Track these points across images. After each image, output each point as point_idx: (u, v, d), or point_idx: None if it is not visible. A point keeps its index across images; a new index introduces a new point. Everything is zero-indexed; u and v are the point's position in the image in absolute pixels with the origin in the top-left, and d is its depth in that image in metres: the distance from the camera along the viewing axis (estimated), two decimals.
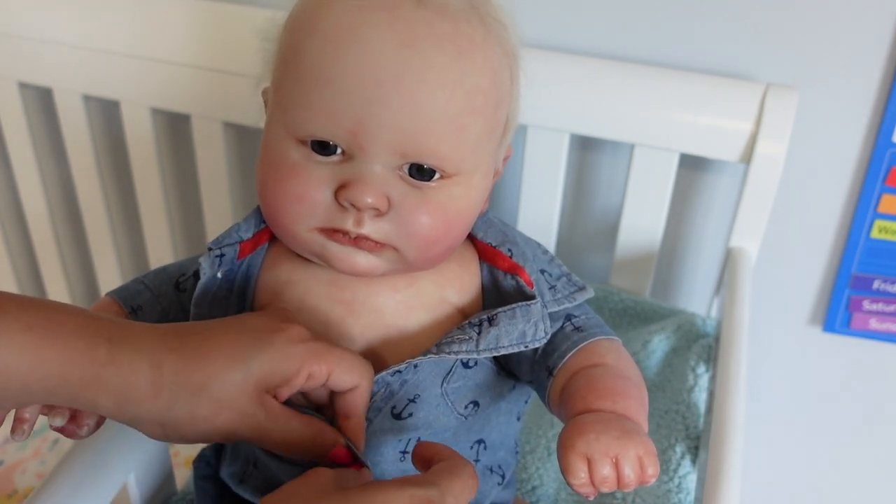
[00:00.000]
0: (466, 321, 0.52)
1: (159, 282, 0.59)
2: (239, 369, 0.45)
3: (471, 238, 0.57)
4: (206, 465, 0.63)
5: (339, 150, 0.49)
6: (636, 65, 0.78)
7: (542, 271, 0.56)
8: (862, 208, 0.82)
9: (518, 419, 0.60)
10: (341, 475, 0.45)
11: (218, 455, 0.64)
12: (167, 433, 0.46)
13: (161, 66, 0.89)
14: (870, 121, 0.79)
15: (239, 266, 0.55)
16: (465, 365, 0.54)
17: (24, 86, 0.99)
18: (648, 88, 0.76)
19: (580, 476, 0.43)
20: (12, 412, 0.48)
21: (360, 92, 0.46)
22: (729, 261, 0.78)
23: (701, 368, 0.74)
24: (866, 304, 0.87)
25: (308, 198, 0.49)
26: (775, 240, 0.86)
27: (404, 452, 0.53)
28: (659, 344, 0.79)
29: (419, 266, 0.52)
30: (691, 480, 0.67)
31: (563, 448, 0.44)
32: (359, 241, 0.49)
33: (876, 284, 0.86)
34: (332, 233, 0.50)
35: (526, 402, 0.60)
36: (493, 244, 0.55)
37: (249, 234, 0.55)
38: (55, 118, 1.00)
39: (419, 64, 0.46)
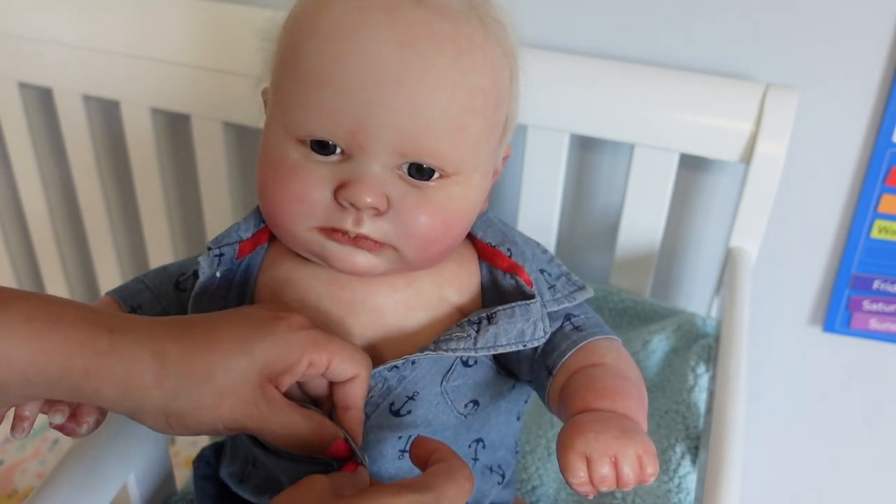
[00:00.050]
0: (465, 319, 0.52)
1: (159, 281, 0.59)
2: (242, 357, 0.46)
3: (470, 238, 0.57)
4: (206, 465, 0.63)
5: (338, 150, 0.49)
6: (636, 65, 0.78)
7: (542, 271, 0.56)
8: (862, 208, 0.82)
9: (518, 419, 0.60)
10: (337, 480, 0.45)
11: (218, 455, 0.64)
12: (171, 423, 0.46)
13: (161, 66, 0.89)
14: (870, 121, 0.79)
15: (238, 265, 0.55)
16: (465, 363, 0.54)
17: (24, 86, 0.99)
18: (648, 88, 0.76)
19: (579, 475, 0.43)
20: (12, 410, 0.48)
21: (360, 92, 0.46)
22: (729, 261, 0.78)
23: (701, 368, 0.74)
24: (866, 304, 0.87)
25: (307, 197, 0.49)
26: (775, 240, 0.86)
27: (403, 450, 0.53)
28: (659, 344, 0.79)
29: (418, 265, 0.52)
30: (691, 480, 0.67)
31: (562, 447, 0.44)
32: (358, 241, 0.50)
33: (876, 284, 0.86)
34: (332, 232, 0.50)
35: (526, 401, 0.60)
36: (493, 244, 0.55)
37: (249, 234, 0.55)
38: (55, 118, 1.00)
39: (419, 64, 0.46)
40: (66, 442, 0.97)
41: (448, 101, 0.47)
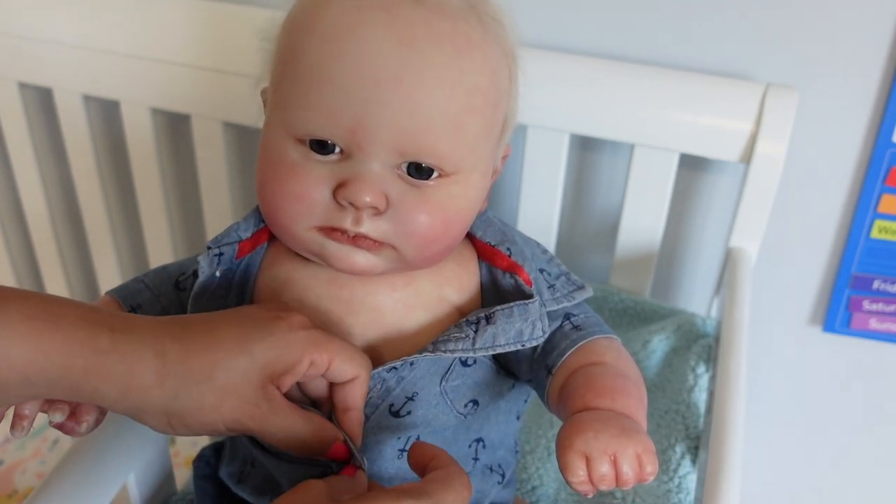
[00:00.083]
0: (463, 319, 0.52)
1: (159, 281, 0.59)
2: (244, 357, 0.46)
3: (469, 237, 0.57)
4: (206, 465, 0.63)
5: (337, 149, 0.49)
6: (636, 65, 0.78)
7: (541, 270, 0.56)
8: (862, 208, 0.82)
9: (517, 418, 0.60)
10: (334, 484, 0.45)
11: (217, 455, 0.64)
12: (172, 423, 0.46)
13: (161, 66, 0.89)
14: (870, 121, 0.79)
15: (238, 265, 0.55)
16: (464, 363, 0.54)
17: (24, 86, 0.99)
18: (648, 88, 0.76)
19: (578, 474, 0.43)
20: (12, 409, 0.48)
21: (359, 91, 0.47)
22: (729, 261, 0.78)
23: (701, 368, 0.74)
24: (866, 304, 0.87)
25: (307, 197, 0.49)
26: (775, 240, 0.86)
27: (402, 450, 0.53)
28: (659, 344, 0.79)
29: (418, 265, 0.52)
30: (691, 480, 0.67)
31: (562, 446, 0.44)
32: (357, 240, 0.50)
33: (876, 284, 0.86)
34: (331, 231, 0.50)
35: (525, 401, 0.60)
36: (492, 243, 0.55)
37: (248, 234, 0.55)
38: (55, 118, 1.00)
39: (418, 63, 0.46)
40: (66, 442, 0.97)
41: (447, 100, 0.47)
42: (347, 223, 0.49)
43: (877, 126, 0.79)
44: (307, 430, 0.48)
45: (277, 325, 0.48)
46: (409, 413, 0.53)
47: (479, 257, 0.56)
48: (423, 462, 0.45)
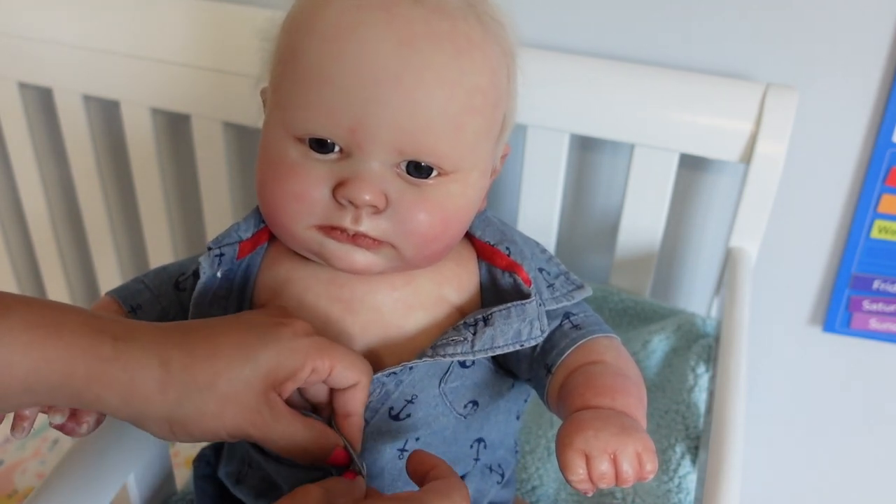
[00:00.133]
0: (461, 322, 0.52)
1: (159, 281, 0.59)
2: (247, 364, 0.46)
3: (469, 237, 0.57)
4: (206, 465, 0.63)
5: (337, 149, 0.49)
6: (636, 65, 0.78)
7: (541, 269, 0.56)
8: (862, 208, 0.82)
9: (517, 418, 0.60)
10: (331, 487, 0.45)
11: (217, 455, 0.64)
12: (174, 431, 0.46)
13: (161, 66, 0.89)
14: (870, 121, 0.79)
15: (238, 266, 0.55)
16: (463, 365, 0.54)
17: (24, 86, 0.99)
18: (648, 88, 0.76)
19: (578, 472, 0.43)
20: None
21: (359, 91, 0.47)
22: (729, 261, 0.78)
23: (701, 368, 0.74)
24: (866, 304, 0.87)
25: (306, 196, 0.49)
26: (775, 240, 0.86)
27: (403, 450, 0.53)
28: (659, 344, 0.79)
29: (417, 264, 0.52)
30: (691, 480, 0.67)
31: (562, 445, 0.44)
32: (357, 239, 0.50)
33: (876, 284, 0.86)
34: (331, 230, 0.50)
35: (525, 400, 0.60)
36: (492, 242, 0.55)
37: (249, 234, 0.55)
38: (55, 118, 1.00)
39: (417, 62, 0.46)
40: (66, 442, 0.97)
41: (446, 100, 0.47)
42: (347, 222, 0.49)
43: (877, 126, 0.79)
44: (308, 437, 0.48)
45: (280, 331, 0.47)
46: (408, 416, 0.53)
47: (478, 257, 0.57)
48: (423, 471, 0.45)
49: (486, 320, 0.51)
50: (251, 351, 0.46)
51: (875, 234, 0.83)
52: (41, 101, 1.03)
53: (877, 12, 0.74)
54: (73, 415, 0.49)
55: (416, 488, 0.45)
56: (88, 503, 0.55)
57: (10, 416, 0.48)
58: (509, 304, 0.51)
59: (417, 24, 0.47)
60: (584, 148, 0.89)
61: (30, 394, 0.42)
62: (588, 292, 0.57)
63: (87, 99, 0.97)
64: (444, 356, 0.50)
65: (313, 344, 0.48)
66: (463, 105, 0.48)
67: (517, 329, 0.51)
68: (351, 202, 0.48)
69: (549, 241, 0.87)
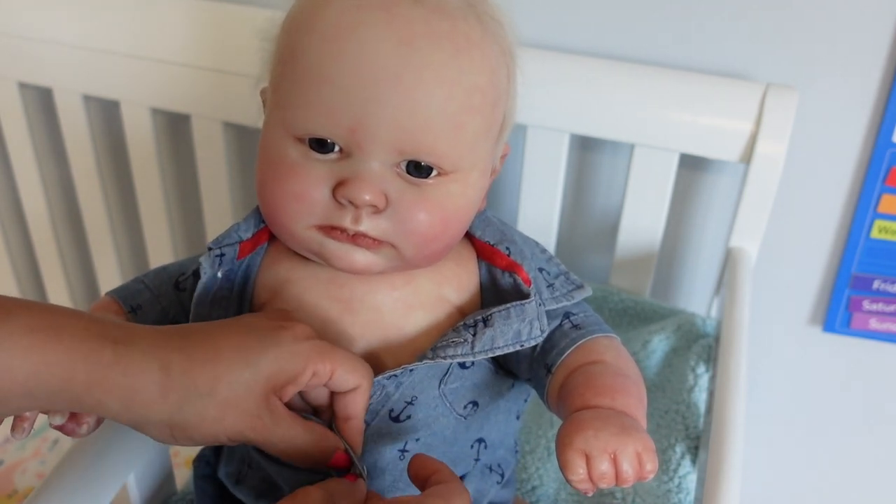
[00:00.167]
0: (461, 323, 0.52)
1: (159, 281, 0.59)
2: (247, 368, 0.46)
3: (469, 236, 0.57)
4: (206, 465, 0.63)
5: (336, 148, 0.49)
6: (635, 65, 0.78)
7: (541, 269, 0.56)
8: (862, 208, 0.82)
9: (517, 418, 0.60)
10: (332, 489, 0.45)
11: (217, 455, 0.64)
12: (174, 435, 0.46)
13: (161, 66, 0.89)
14: (870, 121, 0.79)
15: (239, 266, 0.55)
16: (462, 366, 0.54)
17: (24, 86, 0.99)
18: (648, 88, 0.76)
19: (578, 472, 0.43)
20: None
21: (359, 90, 0.47)
22: (729, 261, 0.78)
23: (701, 368, 0.74)
24: (866, 304, 0.87)
25: (306, 196, 0.49)
26: (775, 240, 0.86)
27: (403, 451, 0.53)
28: (659, 344, 0.79)
29: (417, 263, 0.52)
30: (691, 480, 0.67)
31: (562, 444, 0.44)
32: (357, 239, 0.50)
33: (876, 284, 0.86)
34: (331, 230, 0.50)
35: (525, 400, 0.60)
36: (491, 242, 0.55)
37: (249, 234, 0.55)
38: (55, 118, 1.00)
39: (417, 62, 0.46)
40: (66, 442, 0.97)
41: (446, 99, 0.47)
42: (347, 222, 0.49)
43: (877, 126, 0.79)
44: (308, 441, 0.48)
45: (281, 335, 0.47)
46: (408, 417, 0.53)
47: (478, 256, 0.57)
48: (425, 475, 0.45)
49: (485, 321, 0.51)
50: (252, 355, 0.46)
51: (875, 234, 0.83)
52: (41, 101, 1.03)
53: (877, 12, 0.74)
54: (73, 415, 0.49)
55: (417, 489, 0.45)
56: (88, 503, 0.55)
57: (9, 418, 0.48)
58: (509, 305, 0.51)
59: (417, 23, 0.47)
60: (584, 148, 0.89)
61: (30, 398, 0.42)
62: (588, 292, 0.57)
63: (87, 99, 0.97)
64: (444, 358, 0.50)
65: (314, 347, 0.48)
66: (462, 104, 0.48)
67: (517, 329, 0.51)
68: (351, 202, 0.48)
69: (549, 241, 0.87)
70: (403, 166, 0.49)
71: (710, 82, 0.76)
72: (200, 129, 0.93)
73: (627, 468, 0.43)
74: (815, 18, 0.75)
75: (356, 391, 0.49)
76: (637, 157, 0.79)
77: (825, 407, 0.96)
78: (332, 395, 0.51)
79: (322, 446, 0.49)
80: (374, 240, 0.50)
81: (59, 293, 1.15)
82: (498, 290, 0.55)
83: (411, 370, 0.52)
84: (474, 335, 0.51)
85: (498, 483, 0.59)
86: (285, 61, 0.50)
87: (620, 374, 0.50)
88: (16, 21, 0.93)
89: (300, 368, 0.47)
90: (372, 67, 0.46)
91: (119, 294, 0.58)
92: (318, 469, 0.49)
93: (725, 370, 0.64)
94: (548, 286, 0.55)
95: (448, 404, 0.53)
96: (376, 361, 0.53)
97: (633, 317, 0.85)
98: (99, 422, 0.50)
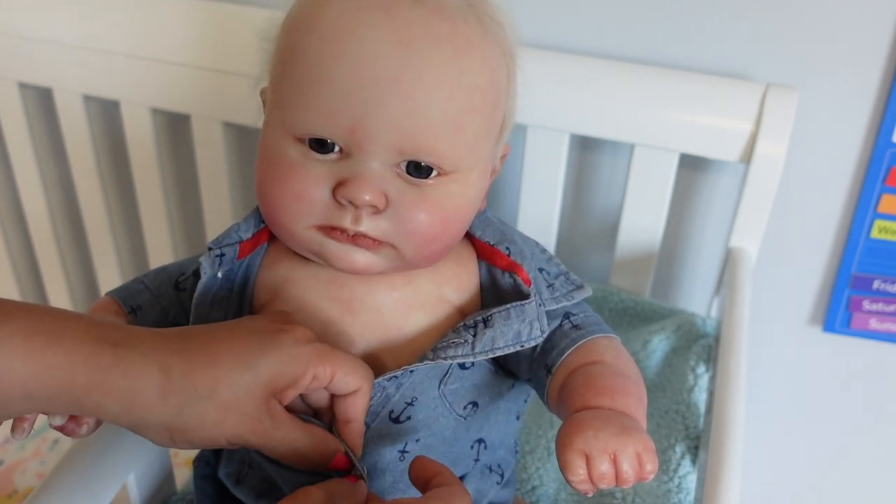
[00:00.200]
0: (461, 323, 0.52)
1: (159, 282, 0.59)
2: (247, 371, 0.45)
3: (469, 237, 0.57)
4: (206, 465, 0.63)
5: (336, 149, 0.49)
6: (635, 65, 0.78)
7: (541, 270, 0.56)
8: (862, 208, 0.82)
9: (517, 418, 0.60)
10: (332, 489, 0.44)
11: (217, 455, 0.64)
12: (174, 438, 0.46)
13: (161, 66, 0.89)
14: (870, 121, 0.79)
15: (239, 266, 0.55)
16: (462, 366, 0.54)
17: (24, 86, 0.99)
18: (648, 88, 0.76)
19: (578, 473, 0.43)
20: None
21: (359, 91, 0.47)
22: (729, 261, 0.78)
23: (701, 368, 0.74)
24: (866, 304, 0.87)
25: (306, 196, 0.49)
26: (775, 240, 0.86)
27: (403, 452, 0.53)
28: (659, 344, 0.79)
29: (417, 264, 0.52)
30: (691, 480, 0.67)
31: (562, 445, 0.44)
32: (357, 239, 0.50)
33: (876, 284, 0.86)
34: (330, 230, 0.50)
35: (525, 401, 0.60)
36: (491, 242, 0.55)
37: (249, 234, 0.55)
38: (55, 118, 1.00)
39: (417, 63, 0.46)
40: (66, 442, 0.97)
41: (446, 100, 0.47)
42: (347, 222, 0.49)
43: (877, 126, 0.79)
44: (308, 444, 0.48)
45: (281, 338, 0.47)
46: (408, 418, 0.53)
47: (478, 257, 0.56)
48: (426, 477, 0.45)
49: (485, 322, 0.51)
50: (252, 358, 0.46)
51: (875, 234, 0.83)
52: (41, 101, 1.03)
53: (877, 12, 0.74)
54: (73, 416, 0.49)
55: (417, 490, 0.45)
56: (88, 503, 0.55)
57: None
58: (509, 305, 0.51)
59: (417, 24, 0.47)
60: (584, 148, 0.89)
61: (29, 401, 0.42)
62: (588, 292, 0.57)
63: (87, 99, 0.97)
64: (444, 358, 0.50)
65: (314, 351, 0.48)
66: (462, 105, 0.48)
67: (517, 330, 0.51)
68: (351, 202, 0.48)
69: (549, 241, 0.87)
70: (403, 167, 0.49)
71: (710, 82, 0.76)
72: (200, 129, 0.93)
73: (627, 469, 0.43)
74: (815, 18, 0.75)
75: (356, 394, 0.49)
76: (637, 157, 0.79)
77: (825, 407, 0.96)
78: (333, 397, 0.51)
79: (322, 449, 0.49)
80: (374, 240, 0.50)
81: (59, 293, 1.15)
82: (498, 291, 0.55)
83: (412, 371, 0.51)
84: (474, 336, 0.51)
85: (498, 483, 0.59)
86: (285, 61, 0.50)
87: (620, 375, 0.50)
88: (16, 21, 0.93)
89: (300, 372, 0.47)
90: (372, 68, 0.46)
91: (119, 294, 0.58)
92: (318, 471, 0.49)
93: (725, 370, 0.64)
94: (548, 286, 0.55)
95: (448, 405, 0.53)
96: (376, 362, 0.53)
97: (633, 317, 0.85)
98: (99, 422, 0.50)
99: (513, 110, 0.55)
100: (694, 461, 0.68)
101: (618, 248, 0.85)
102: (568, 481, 0.43)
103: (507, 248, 0.54)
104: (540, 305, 0.53)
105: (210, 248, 0.54)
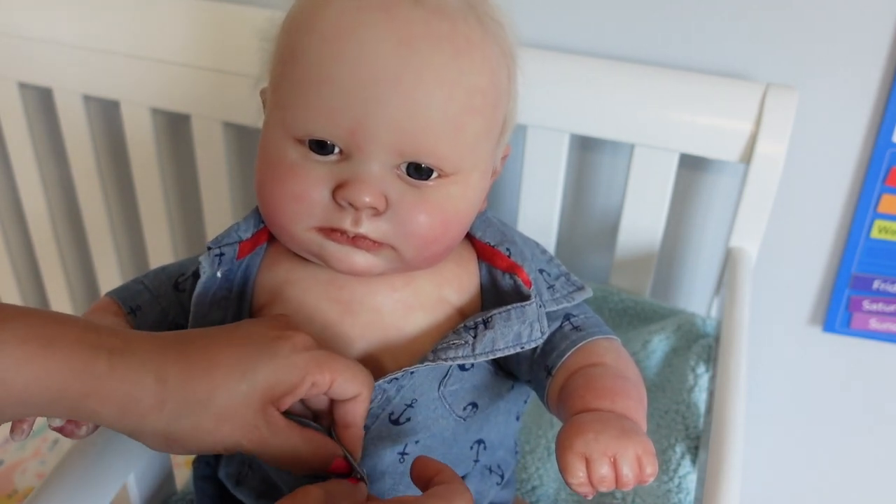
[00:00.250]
0: (462, 325, 0.52)
1: (158, 282, 0.59)
2: (244, 380, 0.45)
3: (469, 237, 0.57)
4: (206, 466, 0.63)
5: (336, 150, 0.49)
6: (635, 65, 0.78)
7: (541, 271, 0.56)
8: (862, 208, 0.82)
9: (517, 419, 0.60)
10: (332, 489, 0.44)
11: (217, 456, 0.64)
12: (169, 444, 0.46)
13: (161, 66, 0.89)
14: (870, 121, 0.79)
15: (238, 266, 0.55)
16: (462, 367, 0.53)
17: (24, 86, 0.99)
18: (648, 88, 0.76)
19: (578, 475, 0.43)
20: None
21: (359, 91, 0.46)
22: (729, 261, 0.78)
23: (701, 368, 0.74)
24: (866, 304, 0.87)
25: (306, 197, 0.49)
26: (775, 240, 0.86)
27: (403, 454, 0.53)
28: (659, 344, 0.79)
29: (417, 265, 0.52)
30: (691, 480, 0.67)
31: (562, 448, 0.44)
32: (357, 241, 0.49)
33: (876, 284, 0.86)
34: (330, 232, 0.50)
35: (525, 401, 0.60)
36: (492, 243, 0.55)
37: (248, 234, 0.55)
38: (55, 118, 1.00)
39: (417, 63, 0.46)
40: (66, 442, 0.97)
41: (446, 101, 0.47)
42: (347, 224, 0.49)
43: (877, 126, 0.79)
44: (306, 449, 0.48)
45: (280, 346, 0.47)
46: (408, 420, 0.53)
47: (478, 258, 0.56)
48: (427, 476, 0.45)
49: (486, 323, 0.51)
50: (249, 367, 0.46)
51: (875, 234, 0.83)
52: (41, 101, 1.03)
53: (877, 12, 0.74)
54: None
55: (418, 491, 0.45)
56: (88, 503, 0.55)
57: None
58: (509, 307, 0.51)
59: (417, 25, 0.47)
60: (584, 148, 0.89)
61: (24, 407, 0.42)
62: (588, 293, 0.56)
63: (87, 99, 0.97)
64: (444, 360, 0.50)
65: (313, 358, 0.47)
66: (463, 106, 0.48)
67: (517, 331, 0.51)
68: (351, 204, 0.48)
69: (549, 241, 0.87)
70: (404, 168, 0.49)
71: (710, 82, 0.76)
72: (200, 129, 0.93)
73: (627, 472, 0.43)
74: (815, 18, 0.75)
75: (356, 399, 0.49)
76: (637, 157, 0.79)
77: (825, 407, 0.96)
78: (332, 401, 0.50)
79: (320, 454, 0.48)
80: (375, 242, 0.50)
81: (59, 293, 1.15)
82: (498, 292, 0.55)
83: (412, 373, 0.51)
84: (475, 337, 0.51)
85: (498, 484, 0.58)
86: (285, 62, 0.50)
87: (620, 377, 0.50)
88: (16, 21, 0.93)
89: (298, 380, 0.46)
90: (372, 68, 0.46)
91: (118, 295, 0.58)
92: (317, 475, 0.49)
93: (725, 370, 0.64)
94: (548, 287, 0.55)
95: (447, 406, 0.53)
96: (376, 363, 0.53)
97: (633, 317, 0.85)
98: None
99: (514, 111, 0.55)
100: (694, 461, 0.68)
101: (618, 248, 0.85)
102: (567, 484, 0.43)
103: (508, 249, 0.54)
104: (540, 307, 0.53)
105: (210, 248, 0.54)
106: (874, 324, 0.88)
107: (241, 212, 0.97)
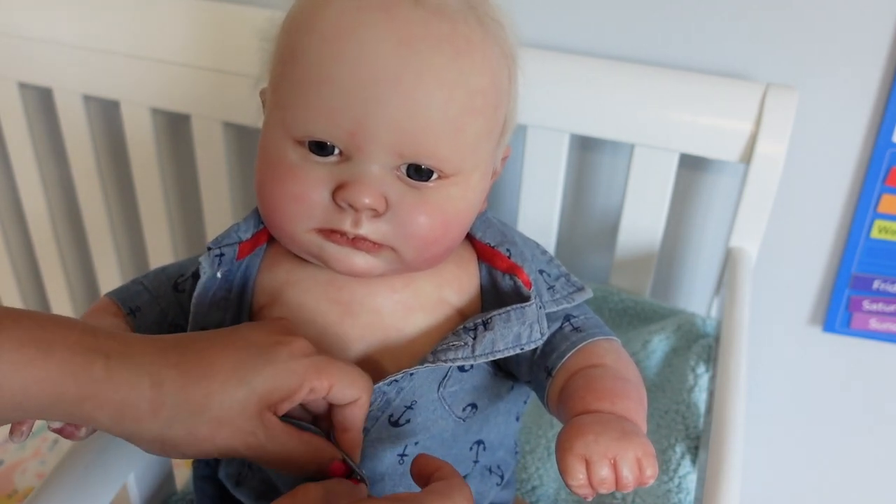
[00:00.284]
0: (461, 326, 0.52)
1: (158, 283, 0.59)
2: (241, 387, 0.45)
3: (469, 238, 0.56)
4: (206, 466, 0.63)
5: (336, 151, 0.49)
6: (635, 64, 0.78)
7: (541, 271, 0.56)
8: (862, 208, 0.82)
9: (517, 419, 0.60)
10: (331, 488, 0.44)
11: None
12: (165, 449, 0.45)
13: (161, 66, 0.89)
14: (870, 121, 0.79)
15: (238, 267, 0.55)
16: (461, 369, 0.53)
17: (24, 86, 0.99)
18: (648, 88, 0.76)
19: (578, 477, 0.43)
20: None
21: (358, 92, 0.46)
22: (729, 261, 0.78)
23: (701, 368, 0.74)
24: (866, 304, 0.87)
25: (306, 198, 0.49)
26: (775, 240, 0.86)
27: (403, 455, 0.53)
28: (659, 344, 0.79)
29: (417, 266, 0.52)
30: (691, 480, 0.67)
31: (562, 449, 0.44)
32: (357, 242, 0.49)
33: (876, 284, 0.86)
34: (330, 233, 0.50)
35: (525, 402, 0.60)
36: (492, 244, 0.55)
37: (248, 235, 0.55)
38: (55, 118, 1.00)
39: (417, 64, 0.46)
40: (66, 442, 0.97)
41: (446, 102, 0.47)
42: (347, 225, 0.49)
43: (877, 126, 0.79)
44: (304, 454, 0.48)
45: (278, 352, 0.47)
46: (408, 421, 0.52)
47: (478, 258, 0.56)
48: (427, 473, 0.45)
49: (485, 324, 0.51)
50: (247, 373, 0.45)
51: (875, 234, 0.83)
52: (41, 101, 1.03)
53: (877, 12, 0.74)
54: None
55: (419, 488, 0.45)
56: (88, 503, 0.55)
57: None
58: (509, 308, 0.51)
59: (417, 25, 0.46)
60: (584, 148, 0.89)
61: (21, 411, 0.42)
62: (588, 294, 0.56)
63: (87, 99, 0.97)
64: (444, 361, 0.50)
65: (311, 364, 0.47)
66: (463, 106, 0.48)
67: (517, 332, 0.51)
68: (351, 205, 0.48)
69: (549, 241, 0.87)
70: (404, 169, 0.49)
71: (710, 82, 0.76)
72: (200, 129, 0.93)
73: (627, 474, 0.43)
74: (815, 18, 0.75)
75: (355, 404, 0.49)
76: (637, 157, 0.79)
77: (825, 407, 0.96)
78: (331, 405, 0.50)
79: (318, 458, 0.48)
80: (374, 243, 0.49)
81: (59, 293, 1.15)
82: (498, 293, 0.54)
83: (411, 374, 0.51)
84: (474, 338, 0.51)
85: (498, 485, 0.58)
86: (285, 62, 0.50)
87: (621, 378, 0.50)
88: (16, 21, 0.93)
89: (296, 386, 0.46)
90: (372, 68, 0.46)
91: (118, 296, 0.58)
92: (316, 478, 0.49)
93: (725, 370, 0.64)
94: (548, 288, 0.55)
95: (447, 407, 0.53)
96: (376, 364, 0.53)
97: (633, 317, 0.85)
98: None
99: (514, 112, 0.55)
100: (694, 461, 0.68)
101: (618, 248, 0.85)
102: (567, 486, 0.43)
103: (508, 250, 0.54)
104: (540, 308, 0.52)
105: (209, 248, 0.54)
106: (874, 324, 0.88)
107: (241, 212, 0.97)
